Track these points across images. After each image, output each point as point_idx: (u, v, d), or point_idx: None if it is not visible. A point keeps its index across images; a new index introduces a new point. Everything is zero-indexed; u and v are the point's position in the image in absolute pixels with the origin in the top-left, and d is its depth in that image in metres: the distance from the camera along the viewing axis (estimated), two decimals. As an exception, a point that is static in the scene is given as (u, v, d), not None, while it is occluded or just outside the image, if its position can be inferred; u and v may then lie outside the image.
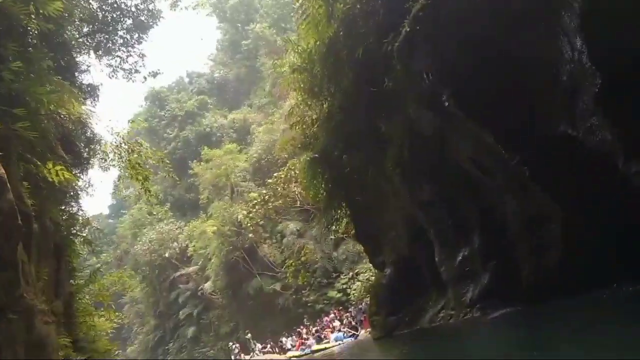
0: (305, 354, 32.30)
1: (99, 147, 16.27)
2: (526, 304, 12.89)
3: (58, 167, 12.37)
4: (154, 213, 59.02)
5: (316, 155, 22.27)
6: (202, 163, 49.60)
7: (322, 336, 34.08)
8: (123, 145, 15.66)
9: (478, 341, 12.57)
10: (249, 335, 41.45)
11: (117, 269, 63.27)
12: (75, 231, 16.49)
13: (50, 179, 12.37)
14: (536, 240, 12.70)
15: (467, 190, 15.16)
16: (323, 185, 23.30)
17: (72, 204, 17.83)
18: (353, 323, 34.67)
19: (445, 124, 14.45)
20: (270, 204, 33.22)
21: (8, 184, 8.35)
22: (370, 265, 36.44)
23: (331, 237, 40.23)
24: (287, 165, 30.66)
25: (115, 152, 15.65)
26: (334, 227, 33.40)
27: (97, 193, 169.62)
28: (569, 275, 11.35)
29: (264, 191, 34.25)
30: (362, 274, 38.22)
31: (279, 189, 32.12)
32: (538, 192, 12.39)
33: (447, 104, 13.16)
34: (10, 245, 8.18)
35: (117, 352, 37.65)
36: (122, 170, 17.54)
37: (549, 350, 8.15)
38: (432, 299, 18.06)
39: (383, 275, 20.88)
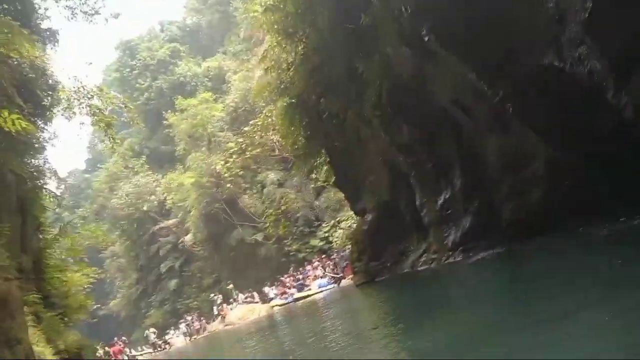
0: (287, 302, 32.39)
1: (60, 94, 15.33)
2: (508, 245, 12.64)
3: (14, 116, 11.52)
4: (130, 166, 57.89)
5: (293, 100, 21.58)
6: (176, 113, 48.27)
7: (305, 284, 34.11)
8: (82, 90, 14.79)
9: (460, 284, 12.38)
10: (231, 286, 41.45)
11: (95, 223, 62.81)
12: (41, 184, 15.72)
13: (7, 129, 11.55)
14: (519, 179, 12.36)
15: (448, 132, 14.69)
16: (301, 132, 22.71)
17: (38, 156, 16.98)
18: (336, 270, 34.76)
19: (424, 62, 13.81)
20: (248, 153, 32.42)
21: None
22: (352, 212, 36.56)
23: (312, 185, 39.94)
24: (264, 112, 29.74)
25: (74, 98, 14.79)
26: (313, 174, 33.06)
27: (73, 147, 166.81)
28: (552, 214, 11.07)
29: (241, 140, 33.32)
30: (343, 222, 38.07)
31: (256, 137, 31.30)
32: (521, 129, 11.96)
33: (427, 39, 12.49)
34: (-44, 198, 7.48)
35: (95, 307, 37.49)
36: (83, 117, 16.63)
37: (532, 290, 7.88)
38: (414, 244, 17.87)
39: (364, 221, 20.61)
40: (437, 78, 13.76)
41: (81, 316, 16.07)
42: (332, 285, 31.76)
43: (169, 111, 49.51)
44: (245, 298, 38.49)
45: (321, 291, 30.87)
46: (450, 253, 15.08)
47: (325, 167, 24.51)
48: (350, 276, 31.75)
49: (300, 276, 35.75)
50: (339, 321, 12.81)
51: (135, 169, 56.90)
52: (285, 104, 21.92)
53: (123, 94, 61.34)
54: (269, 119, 27.20)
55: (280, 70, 21.98)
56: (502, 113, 12.01)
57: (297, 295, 32.30)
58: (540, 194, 11.77)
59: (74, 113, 15.29)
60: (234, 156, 33.01)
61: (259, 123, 30.00)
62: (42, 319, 11.64)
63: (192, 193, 46.21)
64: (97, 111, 15.36)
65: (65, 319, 14.27)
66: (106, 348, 31.54)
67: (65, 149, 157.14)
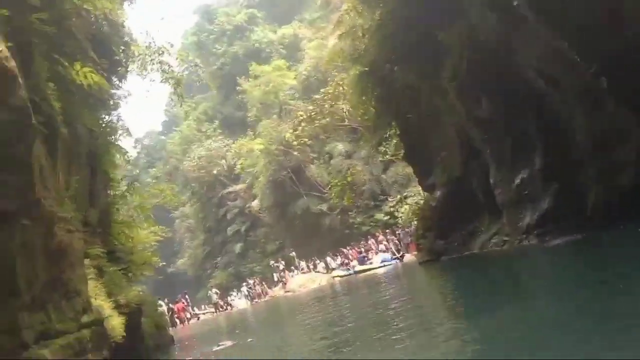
0: (348, 274, 32.21)
1: (133, 51, 15.38)
2: (588, 232, 11.62)
3: (87, 69, 11.60)
4: (203, 130, 59.02)
5: (365, 69, 20.87)
6: (250, 80, 48.54)
7: (367, 257, 33.80)
8: (153, 45, 14.78)
9: (534, 270, 11.54)
10: (294, 253, 41.68)
11: (166, 183, 64.75)
12: (113, 141, 15.95)
13: (79, 82, 11.65)
14: (608, 161, 11.29)
15: (530, 106, 13.65)
16: (372, 102, 22.07)
17: (112, 113, 17.27)
18: (399, 246, 34.21)
19: (511, 29, 12.80)
20: (317, 122, 32.00)
21: (20, 79, 7.49)
22: (420, 188, 35.65)
23: (380, 159, 39.23)
24: (335, 80, 29.14)
25: (146, 54, 14.80)
26: (382, 147, 32.38)
27: (150, 109, 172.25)
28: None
29: (311, 108, 32.89)
30: (410, 198, 37.28)
31: (326, 106, 30.78)
32: (615, 107, 10.87)
33: (516, 3, 11.49)
34: (23, 146, 7.42)
35: (163, 265, 38.72)
36: (154, 74, 16.60)
37: (617, 282, 7.03)
38: (485, 224, 17.00)
39: (433, 197, 19.85)
40: (524, 47, 12.74)
41: (145, 272, 16.36)
42: (394, 261, 31.32)
43: (243, 77, 49.83)
44: (307, 266, 38.63)
45: (383, 266, 30.46)
46: (524, 236, 14.16)
47: (395, 140, 23.80)
48: (414, 253, 31.20)
49: (363, 249, 35.43)
50: (401, 298, 12.25)
51: (208, 133, 57.98)
52: (357, 72, 21.25)
53: (200, 59, 62.56)
54: (340, 88, 26.58)
55: (355, 37, 21.29)
56: (595, 88, 10.95)
57: (359, 267, 32.05)
58: (631, 178, 10.72)
59: (146, 69, 15.36)
60: (303, 124, 32.69)
61: (330, 91, 29.43)
62: (104, 273, 11.81)
63: (261, 160, 46.59)
64: (168, 68, 15.36)
65: (130, 274, 14.54)
66: (170, 305, 32.53)
67: (144, 110, 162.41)
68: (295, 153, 40.73)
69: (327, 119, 31.88)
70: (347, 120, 32.30)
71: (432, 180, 20.28)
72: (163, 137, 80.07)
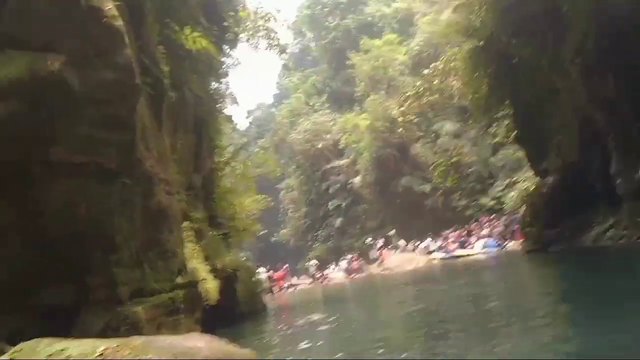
0: (447, 258, 31.29)
1: (243, 17, 15.51)
2: None
3: (196, 34, 11.81)
4: (311, 103, 59.53)
5: (480, 43, 19.76)
6: (360, 54, 48.06)
7: (468, 242, 32.65)
8: (260, 12, 14.80)
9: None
10: (393, 231, 41.20)
11: (273, 154, 66.30)
12: (220, 108, 16.30)
13: (189, 47, 11.89)
14: None
15: (667, 88, 12.19)
16: (485, 79, 20.90)
17: (221, 80, 17.62)
18: (504, 233, 32.68)
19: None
20: (425, 98, 30.93)
21: (126, 39, 7.65)
22: (531, 174, 33.65)
23: (489, 141, 37.48)
24: (447, 55, 27.90)
25: (252, 20, 14.87)
26: (493, 128, 30.85)
27: (264, 82, 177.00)
28: None
29: (419, 83, 31.81)
30: (519, 183, 35.40)
31: (435, 83, 29.64)
32: None
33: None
34: (127, 106, 7.61)
35: (265, 233, 39.78)
36: (260, 42, 16.64)
37: None
38: (601, 215, 15.59)
39: (544, 183, 18.55)
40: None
41: (245, 239, 16.74)
42: (496, 248, 29.97)
43: (353, 51, 49.45)
44: (406, 246, 38.08)
45: (484, 252, 29.25)
46: (646, 232, 12.82)
47: (506, 121, 22.47)
48: (519, 241, 29.66)
49: (465, 233, 34.30)
50: (505, 290, 11.41)
51: (315, 107, 58.41)
52: (471, 47, 20.17)
53: (312, 33, 62.80)
54: (452, 63, 25.42)
55: (471, 10, 20.14)
56: None
57: (459, 252, 31.03)
58: None
59: (254, 37, 15.48)
60: (410, 100, 31.74)
61: (440, 66, 28.24)
62: (204, 237, 12.11)
63: (366, 136, 46.24)
64: (274, 35, 15.38)
65: (229, 240, 14.89)
66: (271, 271, 33.42)
67: (256, 83, 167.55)
68: (401, 130, 39.85)
69: (436, 96, 30.72)
70: (456, 99, 30.95)
71: (544, 165, 18.96)
72: (273, 110, 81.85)
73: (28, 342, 4.24)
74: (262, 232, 41.42)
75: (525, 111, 19.54)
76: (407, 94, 32.28)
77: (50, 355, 3.91)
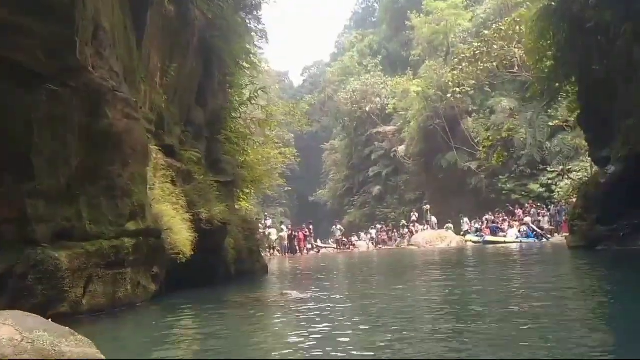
0: (479, 241, 29.27)
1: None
2: None
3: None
4: (364, 63, 56.81)
5: (552, 3, 17.14)
6: (421, 16, 44.98)
7: (500, 228, 30.60)
8: None
9: None
10: (428, 206, 38.86)
11: (319, 112, 64.30)
12: (242, 39, 14.25)
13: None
14: None
15: None
16: (552, 48, 18.32)
17: (252, 12, 15.71)
18: (551, 223, 30.23)
19: None
20: (481, 64, 27.93)
21: None
22: (587, 163, 30.70)
23: (548, 123, 34.49)
24: (512, 17, 24.85)
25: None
26: (553, 109, 28.06)
27: (322, 42, 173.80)
28: None
29: (477, 44, 28.65)
30: (574, 172, 32.56)
31: (495, 47, 26.64)
32: None
33: None
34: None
35: (286, 188, 38.06)
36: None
37: None
38: (667, 217, 13.19)
39: (603, 172, 16.04)
40: None
41: (249, 190, 14.99)
42: (533, 239, 27.92)
43: (415, 11, 46.40)
44: (437, 223, 36.09)
45: (519, 241, 27.27)
46: None
47: (570, 98, 19.79)
48: (564, 234, 27.19)
49: (501, 219, 32.28)
50: (546, 286, 9.18)
51: (368, 68, 55.72)
52: (541, 6, 17.54)
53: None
54: (517, 27, 22.51)
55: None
56: None
57: (489, 237, 29.04)
58: None
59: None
60: (465, 64, 28.85)
61: (503, 28, 25.23)
62: (192, 181, 10.48)
63: (416, 103, 43.73)
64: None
65: (234, 189, 13.23)
66: (294, 232, 31.90)
67: (317, 41, 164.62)
68: (450, 96, 36.52)
69: (494, 64, 27.76)
70: (517, 68, 27.92)
71: (607, 152, 16.42)
72: (329, 69, 79.62)
73: None
74: (287, 189, 39.86)
75: (593, 88, 16.94)
76: (463, 56, 29.30)
77: None
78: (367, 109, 51.55)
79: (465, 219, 35.61)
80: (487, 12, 41.11)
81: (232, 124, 13.92)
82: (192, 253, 9.00)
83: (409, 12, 48.58)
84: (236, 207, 13.96)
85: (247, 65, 14.58)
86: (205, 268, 10.25)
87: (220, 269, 11.05)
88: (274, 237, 30.18)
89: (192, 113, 11.74)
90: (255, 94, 14.65)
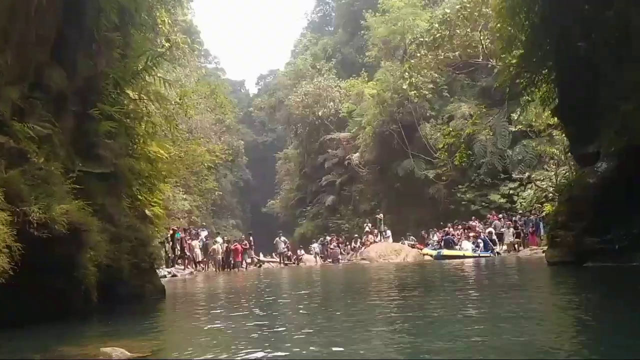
0: (435, 255, 26.48)
1: None
2: None
3: None
4: (317, 67, 53.68)
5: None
6: (377, 15, 42.24)
7: (453, 241, 27.93)
8: None
9: None
10: (380, 215, 35.68)
11: (274, 122, 60.80)
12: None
13: None
14: None
15: None
16: (526, 25, 15.58)
17: None
18: (513, 237, 27.68)
19: None
20: (442, 51, 24.86)
21: None
22: (552, 172, 28.37)
23: (510, 129, 32.08)
24: (478, -5, 22.05)
25: None
26: (517, 108, 25.72)
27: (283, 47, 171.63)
28: None
29: (437, 26, 25.56)
30: (538, 182, 30.21)
31: (458, 32, 23.66)
32: None
33: None
34: None
35: (235, 199, 33.86)
36: None
37: None
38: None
39: (592, 171, 13.09)
40: None
41: (147, 187, 11.35)
42: (489, 252, 25.52)
43: (370, 11, 43.66)
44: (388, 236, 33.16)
45: (478, 256, 25.12)
46: None
47: (543, 88, 16.94)
48: (533, 247, 24.61)
49: (458, 230, 29.74)
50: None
51: (322, 71, 52.65)
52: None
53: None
54: (482, 8, 19.65)
55: None
56: None
57: (445, 251, 26.30)
58: None
59: None
60: (424, 51, 25.81)
61: (469, 5, 22.29)
62: (22, 164, 6.97)
63: (371, 108, 40.87)
64: None
65: (110, 182, 9.64)
66: (230, 246, 28.13)
67: (272, 53, 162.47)
68: (409, 97, 33.41)
69: (457, 53, 24.82)
70: (481, 58, 25.06)
71: (593, 148, 13.56)
72: (281, 70, 76.86)
73: None
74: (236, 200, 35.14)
75: (575, 70, 14.17)
76: (422, 40, 26.19)
77: None
78: (320, 113, 48.45)
79: (432, 232, 32.70)
80: (446, 12, 38.59)
81: (119, 98, 10.30)
82: (12, 273, 5.55)
83: (363, 11, 45.92)
84: (127, 208, 10.35)
85: (147, 24, 11.04)
86: (46, 295, 6.76)
87: (72, 294, 7.47)
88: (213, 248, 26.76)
89: (45, 73, 8.18)
90: (155, 61, 11.04)
